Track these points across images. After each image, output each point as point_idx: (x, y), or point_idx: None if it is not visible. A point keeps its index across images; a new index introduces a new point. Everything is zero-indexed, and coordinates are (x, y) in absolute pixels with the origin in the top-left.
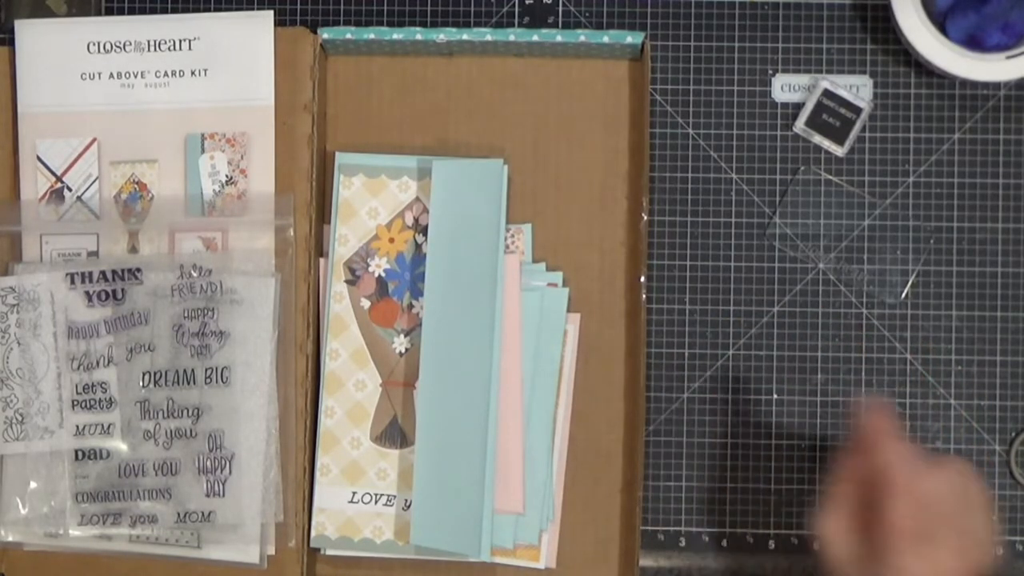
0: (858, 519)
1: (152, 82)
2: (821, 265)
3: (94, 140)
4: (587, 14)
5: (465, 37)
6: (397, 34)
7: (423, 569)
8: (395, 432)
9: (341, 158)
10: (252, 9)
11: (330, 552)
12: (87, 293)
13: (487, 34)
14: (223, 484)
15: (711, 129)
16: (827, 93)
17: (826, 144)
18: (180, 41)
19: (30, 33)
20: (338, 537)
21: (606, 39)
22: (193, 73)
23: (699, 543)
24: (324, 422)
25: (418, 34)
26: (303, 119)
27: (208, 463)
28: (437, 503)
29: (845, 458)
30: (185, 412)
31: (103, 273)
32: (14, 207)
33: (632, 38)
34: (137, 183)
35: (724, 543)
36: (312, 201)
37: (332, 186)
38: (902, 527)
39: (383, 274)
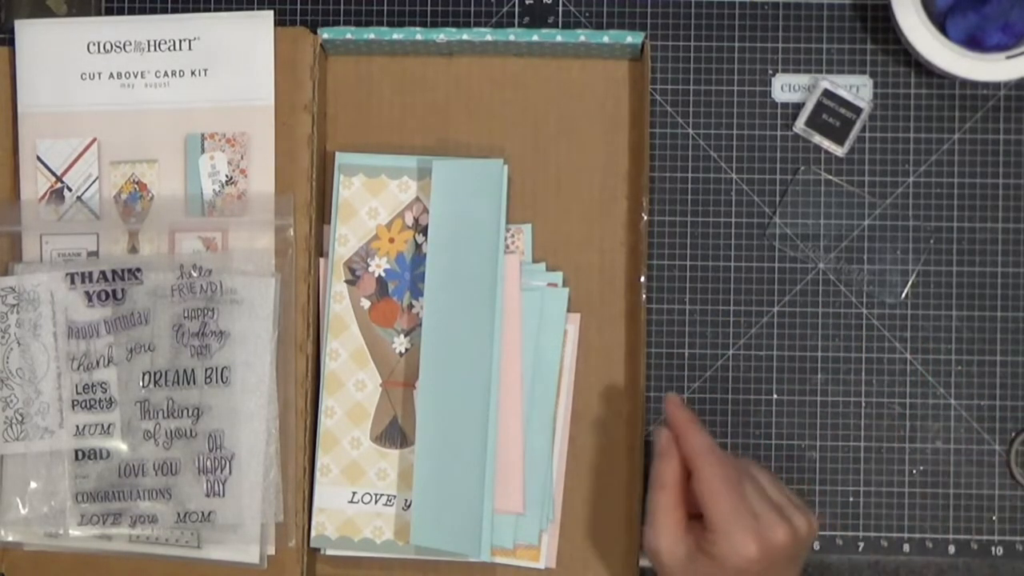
0: (683, 519)
1: (152, 82)
2: (821, 265)
3: (94, 140)
4: (587, 14)
5: (465, 37)
6: (397, 34)
7: (423, 569)
8: (395, 432)
9: (341, 158)
10: (252, 9)
11: (330, 552)
12: (87, 293)
13: (487, 34)
14: (223, 484)
15: (711, 129)
16: (827, 93)
17: (826, 144)
18: (180, 41)
19: (30, 33)
20: (338, 537)
21: (606, 39)
22: (193, 73)
23: None
24: (324, 422)
25: (418, 34)
26: (303, 119)
27: (208, 463)
28: (437, 503)
29: (659, 464)
30: (185, 412)
31: (103, 273)
32: (14, 207)
33: (632, 38)
34: (137, 183)
35: None
36: (312, 201)
37: (332, 186)
38: (719, 492)
39: (383, 274)
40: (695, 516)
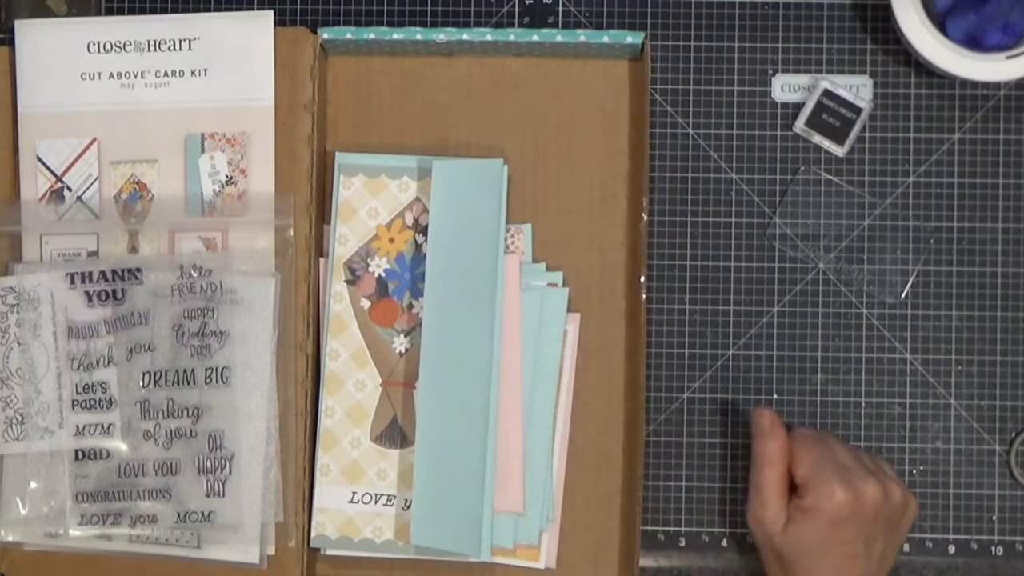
0: (787, 492)
1: (152, 82)
2: (821, 265)
3: (94, 140)
4: (587, 14)
5: (465, 37)
6: (397, 34)
7: (423, 569)
8: (395, 432)
9: (341, 158)
10: (252, 9)
11: (330, 552)
12: (87, 293)
13: (487, 34)
14: (223, 484)
15: (711, 129)
16: (827, 93)
17: (826, 144)
18: (180, 41)
19: (30, 33)
20: (338, 537)
21: (606, 39)
22: (193, 73)
23: (699, 543)
24: (324, 422)
25: (418, 34)
26: (303, 119)
27: (208, 463)
28: (437, 503)
29: (765, 442)
30: (185, 412)
31: (103, 273)
32: (14, 207)
33: (632, 38)
34: (137, 183)
35: (724, 543)
36: (312, 201)
37: (332, 186)
38: (810, 447)
39: (383, 274)
40: (794, 491)
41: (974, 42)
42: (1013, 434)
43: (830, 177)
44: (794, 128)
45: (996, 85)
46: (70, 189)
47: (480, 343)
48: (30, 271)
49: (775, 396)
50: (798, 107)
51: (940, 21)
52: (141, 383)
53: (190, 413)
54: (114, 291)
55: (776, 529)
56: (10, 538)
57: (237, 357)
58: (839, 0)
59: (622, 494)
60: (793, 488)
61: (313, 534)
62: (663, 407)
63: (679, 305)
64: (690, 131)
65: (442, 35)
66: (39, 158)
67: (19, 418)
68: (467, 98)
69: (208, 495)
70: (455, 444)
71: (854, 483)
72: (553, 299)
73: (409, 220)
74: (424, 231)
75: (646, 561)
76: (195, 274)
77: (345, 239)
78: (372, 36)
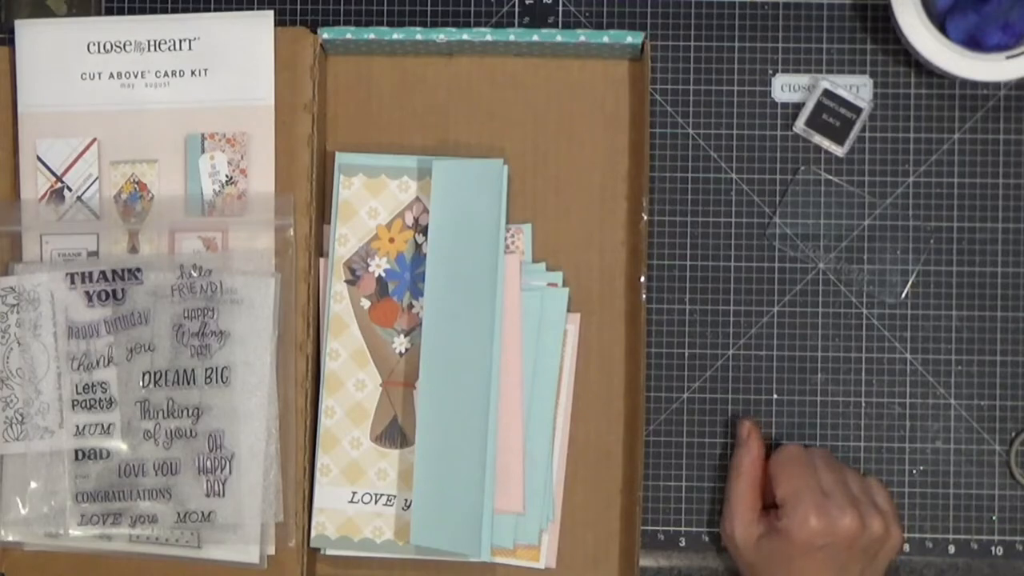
0: (758, 505)
1: (152, 82)
2: (821, 265)
3: (94, 140)
4: (587, 14)
5: (465, 37)
6: (397, 34)
7: (423, 569)
8: (395, 432)
9: (341, 158)
10: (252, 9)
11: (330, 552)
12: (87, 293)
13: (487, 34)
14: (223, 484)
15: (711, 129)
16: (827, 93)
17: (826, 144)
18: (180, 41)
19: (30, 33)
20: (338, 537)
21: (606, 39)
22: (193, 73)
23: (699, 543)
24: (324, 422)
25: (418, 34)
26: (303, 119)
27: (208, 463)
28: (437, 503)
29: (737, 452)
30: (185, 412)
31: (103, 273)
32: (14, 207)
33: (632, 38)
34: (137, 183)
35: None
36: (312, 201)
37: (332, 186)
38: (790, 469)
39: (383, 274)
40: (773, 506)
41: (974, 42)
42: (1013, 434)
43: (830, 177)
44: (794, 128)
45: (996, 85)
46: (70, 189)
47: (480, 343)
48: (30, 271)
49: (775, 396)
50: (798, 107)
51: (940, 21)
52: (141, 383)
53: (190, 413)
54: (114, 291)
55: (745, 542)
56: (10, 538)
57: (237, 357)
58: (839, 0)
59: (622, 494)
60: (774, 503)
61: (313, 534)
62: (663, 407)
63: (679, 305)
64: (690, 131)
65: (442, 35)
66: (39, 158)
67: (19, 418)
68: (467, 98)
69: (208, 495)
70: (455, 444)
71: (830, 512)
72: (553, 299)
73: (409, 220)
74: (424, 231)
75: (646, 561)
76: (195, 274)
77: (345, 239)
78: (372, 36)
